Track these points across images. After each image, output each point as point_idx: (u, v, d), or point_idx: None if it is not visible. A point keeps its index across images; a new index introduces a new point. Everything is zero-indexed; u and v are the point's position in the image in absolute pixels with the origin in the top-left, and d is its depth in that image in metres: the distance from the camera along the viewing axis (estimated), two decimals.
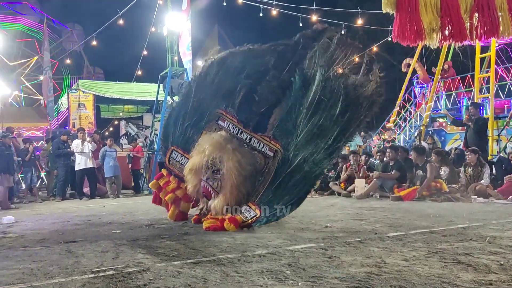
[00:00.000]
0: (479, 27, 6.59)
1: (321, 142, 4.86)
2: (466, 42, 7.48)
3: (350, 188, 8.99)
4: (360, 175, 9.06)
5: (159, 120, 13.66)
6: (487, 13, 6.47)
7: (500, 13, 6.47)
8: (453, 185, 7.92)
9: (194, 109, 5.91)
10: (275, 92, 5.43)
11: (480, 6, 6.53)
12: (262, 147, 5.25)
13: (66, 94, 20.47)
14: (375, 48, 18.74)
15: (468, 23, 6.64)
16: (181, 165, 5.76)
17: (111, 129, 22.90)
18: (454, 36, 6.65)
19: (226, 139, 5.30)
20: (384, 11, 6.93)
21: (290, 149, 4.98)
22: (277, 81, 5.44)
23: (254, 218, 4.76)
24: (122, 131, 19.78)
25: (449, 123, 12.87)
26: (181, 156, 5.77)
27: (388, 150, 9.11)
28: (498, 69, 12.84)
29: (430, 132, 14.39)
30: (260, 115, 5.49)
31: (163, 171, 5.96)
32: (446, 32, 6.64)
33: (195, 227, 4.97)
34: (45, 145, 12.91)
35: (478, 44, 13.19)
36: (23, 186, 11.53)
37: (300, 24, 15.52)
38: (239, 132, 5.45)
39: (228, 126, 5.54)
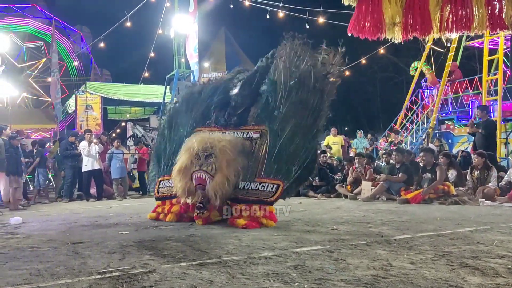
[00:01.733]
0: (449, 20, 6.31)
1: (305, 110, 5.43)
2: (433, 35, 7.14)
3: (356, 190, 8.95)
4: (367, 177, 9.02)
5: None
6: (460, 5, 6.18)
7: (475, 6, 6.23)
8: (461, 188, 7.86)
9: (172, 138, 6.39)
10: (249, 97, 6.00)
11: None
12: (247, 134, 5.74)
13: (73, 96, 20.59)
14: (382, 51, 18.69)
15: (439, 15, 6.38)
16: (170, 186, 5.99)
17: (118, 130, 23.00)
18: (416, 29, 6.37)
19: (211, 132, 5.84)
20: (345, 3, 6.64)
21: (275, 125, 5.49)
22: (248, 90, 6.04)
23: (280, 188, 5.11)
24: (129, 133, 19.87)
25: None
26: (168, 181, 6.05)
27: (394, 152, 9.05)
28: (506, 71, 12.75)
29: (437, 135, 14.32)
30: (239, 114, 5.98)
31: (157, 202, 6.15)
32: (409, 26, 6.41)
33: (201, 229, 4.98)
34: (52, 146, 12.94)
35: (486, 46, 13.15)
36: (31, 187, 11.61)
37: (307, 26, 15.53)
38: (222, 134, 5.82)
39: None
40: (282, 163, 5.27)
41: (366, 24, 6.42)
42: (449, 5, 6.26)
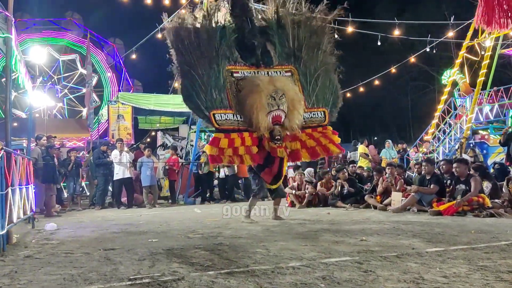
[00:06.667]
0: None
1: (319, 51, 6.73)
2: None
3: (386, 201, 8.77)
4: (397, 188, 8.84)
5: (194, 132, 13.85)
6: None
7: None
8: (496, 200, 7.58)
9: (204, 75, 6.43)
10: (257, 35, 6.76)
11: None
12: (280, 73, 6.59)
13: (106, 106, 21.15)
14: (413, 59, 18.40)
15: None
16: (229, 120, 6.28)
17: (148, 140, 23.42)
18: None
19: (264, 74, 6.61)
20: None
21: (300, 63, 6.63)
22: (253, 32, 6.78)
23: (326, 114, 6.52)
24: (159, 142, 20.20)
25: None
26: (224, 114, 6.30)
27: (424, 163, 8.80)
28: None
29: (471, 145, 13.91)
30: (264, 54, 6.72)
31: (218, 135, 6.18)
32: None
33: (229, 238, 5.01)
34: (87, 155, 13.27)
35: None
36: (65, 194, 11.94)
37: (336, 36, 15.45)
38: (257, 72, 6.54)
39: (244, 73, 6.52)
40: (319, 95, 6.57)
41: (495, 14, 6.37)
42: None
